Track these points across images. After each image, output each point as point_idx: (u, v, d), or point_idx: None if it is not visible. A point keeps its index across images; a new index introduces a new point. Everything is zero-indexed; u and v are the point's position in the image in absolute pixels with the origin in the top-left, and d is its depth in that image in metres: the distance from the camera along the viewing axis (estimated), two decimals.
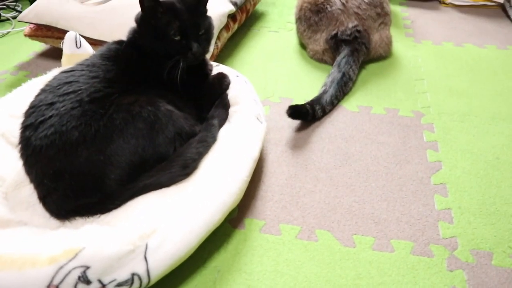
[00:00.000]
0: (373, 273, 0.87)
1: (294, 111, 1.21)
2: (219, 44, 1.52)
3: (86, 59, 1.01)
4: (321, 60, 1.57)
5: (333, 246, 0.92)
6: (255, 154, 0.99)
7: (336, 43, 1.49)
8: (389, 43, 1.57)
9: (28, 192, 0.93)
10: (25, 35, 1.58)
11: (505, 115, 1.30)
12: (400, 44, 1.70)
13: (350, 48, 1.45)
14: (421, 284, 0.85)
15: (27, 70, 1.58)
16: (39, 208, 0.89)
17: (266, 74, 1.51)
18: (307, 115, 1.24)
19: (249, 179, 0.95)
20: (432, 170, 1.11)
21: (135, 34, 1.04)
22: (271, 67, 1.56)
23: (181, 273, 0.85)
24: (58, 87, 0.91)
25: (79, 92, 0.89)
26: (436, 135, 1.22)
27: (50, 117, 0.86)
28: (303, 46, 1.67)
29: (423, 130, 1.24)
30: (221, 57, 1.59)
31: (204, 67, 1.13)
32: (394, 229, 0.95)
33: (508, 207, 1.00)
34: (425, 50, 1.67)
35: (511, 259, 0.89)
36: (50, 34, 1.54)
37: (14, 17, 1.97)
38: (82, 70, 0.95)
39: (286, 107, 1.20)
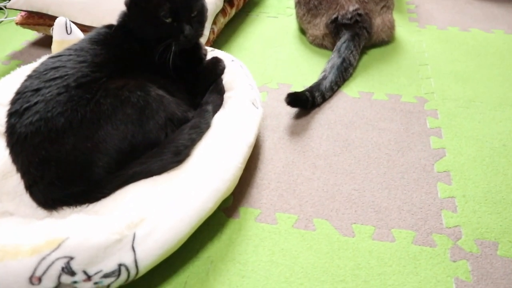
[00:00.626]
0: (372, 263, 0.83)
1: (293, 99, 1.17)
2: (215, 29, 1.48)
3: (75, 44, 0.97)
4: (321, 45, 1.52)
5: (331, 236, 0.88)
6: (250, 140, 0.95)
7: (336, 28, 1.44)
8: (391, 28, 1.52)
9: (16, 182, 0.89)
10: (17, 24, 1.54)
11: (511, 101, 1.25)
12: (403, 29, 1.65)
13: (350, 32, 1.40)
14: (423, 275, 0.81)
15: (20, 59, 1.54)
16: (26, 198, 0.86)
17: (264, 60, 1.47)
18: (306, 102, 1.20)
19: (243, 165, 0.91)
20: (436, 157, 1.06)
21: (125, 18, 1.00)
22: (269, 53, 1.52)
23: (173, 263, 0.82)
24: (45, 72, 0.88)
25: (66, 77, 0.85)
26: (440, 121, 1.18)
27: (36, 103, 0.83)
28: (302, 31, 1.62)
29: (426, 116, 1.20)
30: (218, 43, 1.54)
31: (197, 51, 1.08)
32: (395, 218, 0.92)
33: None
34: (430, 35, 1.62)
35: None
36: (41, 22, 1.50)
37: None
38: (70, 54, 0.91)
39: (284, 93, 1.16)
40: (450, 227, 0.90)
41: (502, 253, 0.85)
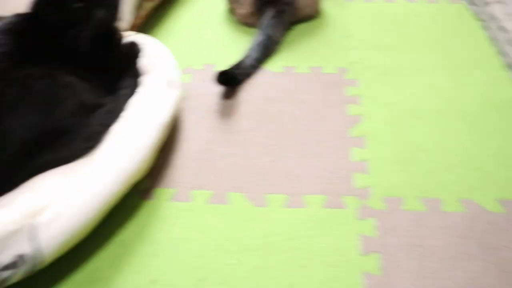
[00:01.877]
0: (284, 230, 0.86)
1: (225, 78, 1.18)
2: (141, 13, 1.46)
3: None
4: (249, 24, 1.53)
5: (244, 208, 0.91)
6: (164, 120, 0.96)
7: (261, 5, 1.45)
8: (316, 2, 1.53)
9: None
10: None
11: (429, 66, 1.29)
12: (329, 3, 1.66)
13: (275, 9, 1.41)
14: (332, 235, 0.85)
15: None
16: None
17: (191, 42, 1.47)
18: (235, 80, 1.21)
19: (156, 146, 0.92)
20: (351, 124, 1.10)
21: (36, 5, 0.98)
22: (198, 34, 1.51)
23: (84, 249, 0.82)
24: None
25: None
26: (359, 90, 1.21)
27: None
28: (232, 11, 1.62)
29: (345, 86, 1.23)
30: (146, 28, 1.52)
31: (112, 36, 1.08)
32: (307, 185, 0.95)
33: (422, 153, 1.01)
34: (356, 8, 1.63)
35: (420, 202, 0.90)
36: None
37: None
38: None
39: (208, 74, 1.17)
40: (359, 188, 0.94)
41: (407, 207, 0.89)
